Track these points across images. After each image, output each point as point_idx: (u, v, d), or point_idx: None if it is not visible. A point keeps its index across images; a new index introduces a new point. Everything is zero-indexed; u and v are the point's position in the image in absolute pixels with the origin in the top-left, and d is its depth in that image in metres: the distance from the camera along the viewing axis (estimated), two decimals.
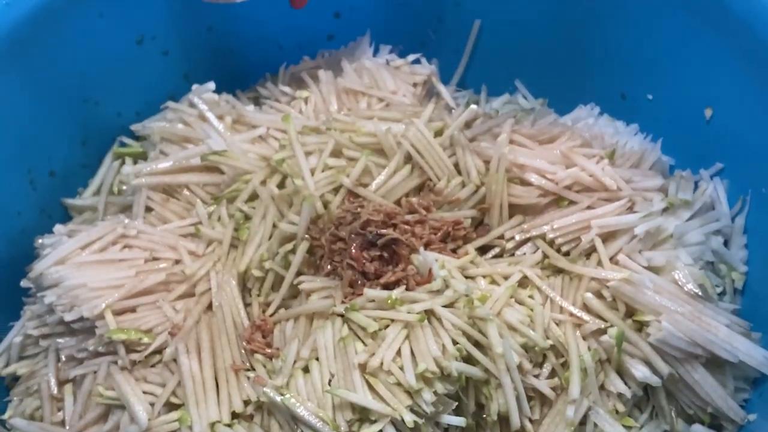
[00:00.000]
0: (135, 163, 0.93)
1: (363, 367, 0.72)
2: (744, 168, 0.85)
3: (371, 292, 0.76)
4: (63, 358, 0.82)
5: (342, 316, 0.76)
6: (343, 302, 0.77)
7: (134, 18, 0.94)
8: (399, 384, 0.71)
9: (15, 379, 0.85)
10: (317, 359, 0.74)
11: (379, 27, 1.02)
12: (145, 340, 0.79)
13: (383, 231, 0.79)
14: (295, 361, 0.74)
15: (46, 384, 0.81)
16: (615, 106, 0.96)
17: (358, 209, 0.81)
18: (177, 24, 0.96)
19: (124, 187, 0.92)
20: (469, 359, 0.73)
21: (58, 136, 0.93)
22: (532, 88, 1.03)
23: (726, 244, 0.86)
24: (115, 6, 0.92)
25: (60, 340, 0.81)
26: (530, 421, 0.75)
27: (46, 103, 0.91)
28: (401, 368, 0.71)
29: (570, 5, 0.95)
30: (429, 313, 0.75)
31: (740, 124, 0.85)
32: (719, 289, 0.83)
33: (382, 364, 0.71)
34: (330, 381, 0.72)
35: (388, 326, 0.74)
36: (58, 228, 0.88)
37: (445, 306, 0.75)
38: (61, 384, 0.81)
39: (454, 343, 0.73)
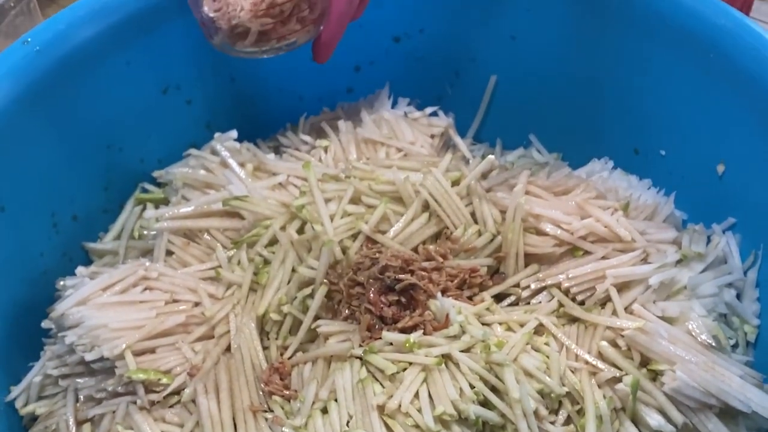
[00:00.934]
0: (156, 208, 0.95)
1: (381, 409, 0.73)
2: (756, 223, 0.86)
3: (390, 335, 0.77)
4: (81, 398, 0.82)
5: (360, 358, 0.77)
6: (360, 345, 0.78)
7: (160, 67, 0.96)
8: (417, 426, 0.72)
9: (33, 419, 0.85)
10: (335, 400, 0.75)
11: (397, 80, 1.04)
12: (164, 380, 0.79)
13: (401, 276, 0.81)
14: (313, 402, 0.75)
15: (65, 423, 0.81)
16: (628, 161, 0.97)
17: (377, 255, 0.83)
18: (201, 74, 0.98)
19: (145, 232, 0.94)
20: (485, 404, 0.74)
21: (82, 180, 0.94)
22: (546, 142, 1.04)
23: (738, 297, 0.86)
24: (142, 55, 0.94)
25: (79, 380, 0.82)
26: None
27: (71, 148, 0.92)
28: (419, 410, 0.72)
29: (584, 62, 0.97)
30: (446, 358, 0.76)
31: (752, 179, 0.86)
32: (732, 341, 0.84)
33: (400, 406, 0.72)
34: (348, 422, 0.73)
35: (405, 369, 0.75)
36: (80, 270, 0.89)
37: (462, 351, 0.76)
38: (79, 424, 0.82)
39: (471, 387, 0.74)
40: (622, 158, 0.98)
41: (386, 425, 0.72)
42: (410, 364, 0.75)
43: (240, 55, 0.86)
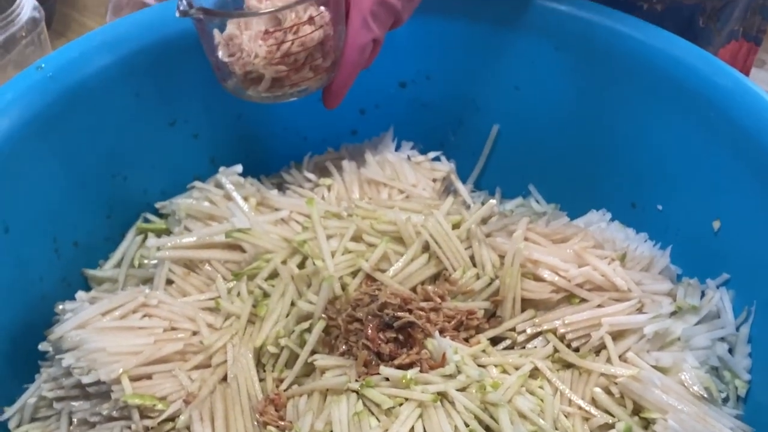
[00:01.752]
0: (158, 238, 0.96)
1: None
2: (750, 279, 0.88)
3: (387, 370, 0.78)
4: (75, 421, 0.82)
5: (357, 392, 0.78)
6: (357, 380, 0.79)
7: (169, 100, 0.98)
8: None
9: None
10: None
11: (401, 125, 1.06)
12: (160, 406, 0.80)
13: (400, 314, 0.82)
14: None
15: None
16: (626, 214, 0.99)
17: (376, 292, 0.84)
18: (209, 109, 1.00)
19: (146, 261, 0.95)
20: None
21: (85, 207, 0.95)
22: (545, 192, 1.06)
23: (731, 351, 0.88)
24: (152, 87, 0.96)
25: (74, 404, 0.82)
26: None
27: (76, 174, 0.93)
28: None
29: (584, 116, 0.99)
30: (442, 396, 0.76)
31: (747, 237, 0.87)
32: (723, 395, 0.85)
33: None
34: None
35: (402, 404, 0.76)
36: (80, 294, 0.90)
37: (458, 390, 0.77)
38: None
39: (466, 425, 0.74)
40: (619, 211, 1.00)
41: None
42: (406, 399, 0.76)
43: (252, 100, 0.87)
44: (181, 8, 0.80)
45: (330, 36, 0.84)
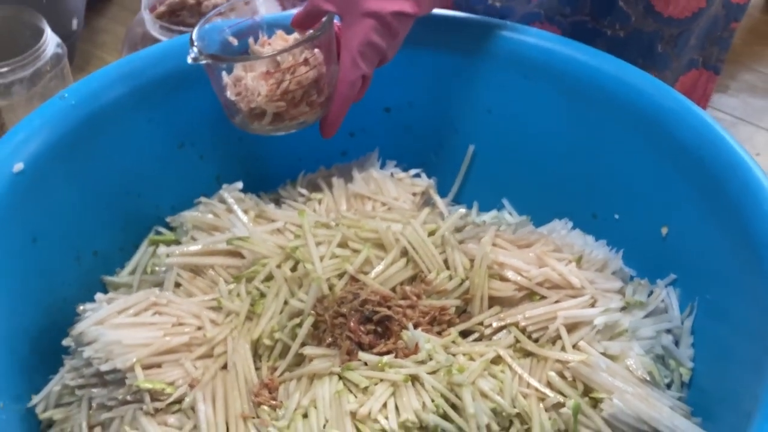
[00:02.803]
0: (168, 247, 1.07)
1: (354, 415, 0.84)
2: (693, 279, 0.98)
3: (365, 356, 0.89)
4: (94, 405, 0.93)
5: (339, 375, 0.89)
6: (340, 366, 0.90)
7: (178, 125, 1.09)
8: (384, 430, 0.83)
9: (50, 424, 0.96)
10: (315, 407, 0.86)
11: (387, 146, 1.17)
12: (168, 390, 0.91)
13: (378, 309, 0.93)
14: (295, 409, 0.87)
15: (78, 427, 0.93)
16: (588, 224, 1.09)
17: (359, 291, 0.95)
18: (213, 133, 1.11)
19: (157, 269, 1.06)
20: (445, 418, 0.85)
21: (103, 221, 1.07)
22: (517, 205, 1.16)
23: (677, 344, 0.98)
24: (162, 114, 1.07)
25: (93, 390, 0.93)
26: None
27: (95, 192, 1.05)
28: (386, 418, 0.84)
29: (549, 135, 1.09)
30: (413, 378, 0.87)
31: (691, 241, 0.98)
32: (667, 380, 0.95)
33: (370, 413, 0.84)
34: (325, 425, 0.85)
35: (377, 384, 0.87)
36: (99, 296, 1.01)
37: (427, 373, 0.88)
38: (91, 428, 0.93)
39: (433, 401, 0.85)
40: (582, 220, 1.10)
41: (357, 429, 0.84)
42: (381, 380, 0.87)
43: (257, 132, 0.99)
44: (193, 56, 0.92)
45: (323, 74, 0.95)
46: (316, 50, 0.95)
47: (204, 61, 0.93)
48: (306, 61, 0.94)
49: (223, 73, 0.96)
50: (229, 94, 0.96)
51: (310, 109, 0.97)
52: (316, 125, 1.01)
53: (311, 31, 0.97)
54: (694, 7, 1.16)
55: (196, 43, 0.93)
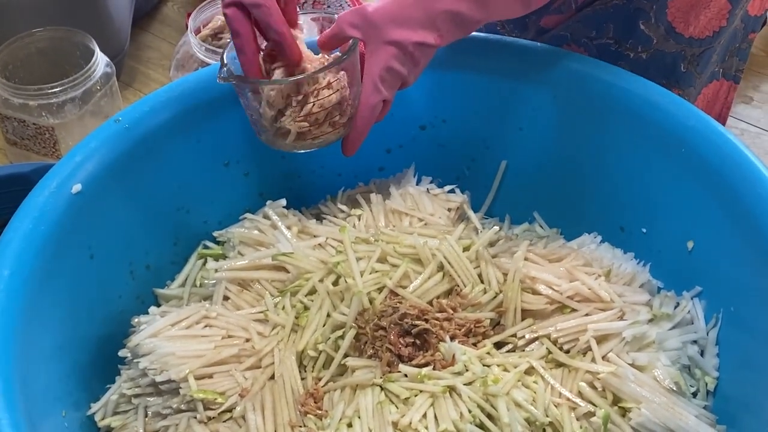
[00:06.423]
0: (216, 262, 1.13)
1: (395, 425, 0.90)
2: (719, 291, 1.02)
3: (406, 368, 0.94)
4: (150, 413, 0.99)
5: (380, 386, 0.94)
6: (381, 377, 0.95)
7: (224, 145, 1.14)
8: None
9: (108, 431, 1.02)
10: (359, 417, 0.92)
11: (422, 162, 1.22)
12: (219, 400, 0.96)
13: (417, 322, 0.98)
14: (340, 419, 0.92)
15: None
16: (616, 237, 1.13)
17: (398, 305, 1.00)
18: (257, 152, 1.16)
19: (205, 281, 1.12)
20: (481, 427, 0.90)
21: (155, 236, 1.12)
22: (547, 218, 1.21)
23: (702, 353, 1.02)
24: (209, 135, 1.13)
25: (149, 399, 0.99)
26: None
27: (147, 209, 1.10)
28: (426, 428, 0.89)
29: (579, 152, 1.14)
30: (451, 389, 0.92)
31: (716, 254, 1.02)
32: (693, 389, 0.99)
33: (410, 423, 0.89)
34: None
35: (417, 395, 0.92)
36: (153, 309, 1.06)
37: (464, 384, 0.93)
38: None
39: (470, 412, 0.90)
40: (610, 234, 1.14)
41: None
42: (421, 391, 0.92)
43: (282, 149, 1.03)
44: (222, 76, 0.97)
45: (346, 97, 0.99)
46: (341, 72, 0.98)
47: (232, 82, 0.97)
48: (329, 85, 0.97)
49: (251, 93, 1.00)
50: (255, 113, 1.00)
51: (333, 129, 1.01)
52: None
53: (337, 52, 1.01)
54: (716, 26, 1.19)
55: (226, 64, 0.98)
